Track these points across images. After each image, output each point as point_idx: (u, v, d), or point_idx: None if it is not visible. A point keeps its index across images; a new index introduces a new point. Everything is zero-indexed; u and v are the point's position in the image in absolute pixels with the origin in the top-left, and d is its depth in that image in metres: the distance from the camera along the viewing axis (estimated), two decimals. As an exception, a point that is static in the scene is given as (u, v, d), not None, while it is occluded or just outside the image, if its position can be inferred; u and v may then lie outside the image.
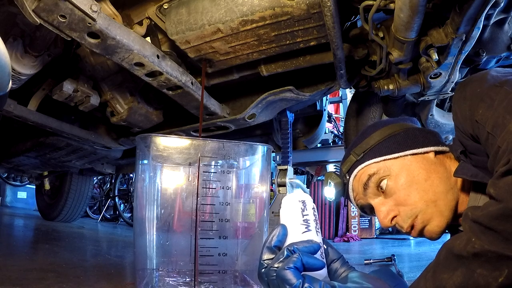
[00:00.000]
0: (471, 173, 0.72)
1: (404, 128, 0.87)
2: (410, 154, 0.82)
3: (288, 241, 0.62)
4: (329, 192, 0.91)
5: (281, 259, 0.57)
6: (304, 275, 0.55)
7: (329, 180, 0.91)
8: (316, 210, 0.66)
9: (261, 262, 0.60)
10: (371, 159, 0.84)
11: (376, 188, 0.82)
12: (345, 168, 0.89)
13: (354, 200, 0.89)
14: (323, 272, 0.61)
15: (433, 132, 0.90)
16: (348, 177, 0.88)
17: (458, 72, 1.23)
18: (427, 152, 0.83)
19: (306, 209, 0.64)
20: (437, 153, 0.84)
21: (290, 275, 0.53)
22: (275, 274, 0.56)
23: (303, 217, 0.63)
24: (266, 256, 0.60)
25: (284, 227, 0.63)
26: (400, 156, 0.82)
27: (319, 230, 0.64)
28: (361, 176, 0.84)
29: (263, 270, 0.59)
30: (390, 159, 0.82)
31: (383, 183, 0.81)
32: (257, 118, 1.65)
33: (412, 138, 0.85)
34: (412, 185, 0.79)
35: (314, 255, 0.59)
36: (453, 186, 0.80)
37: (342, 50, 1.18)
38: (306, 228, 0.62)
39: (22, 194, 5.97)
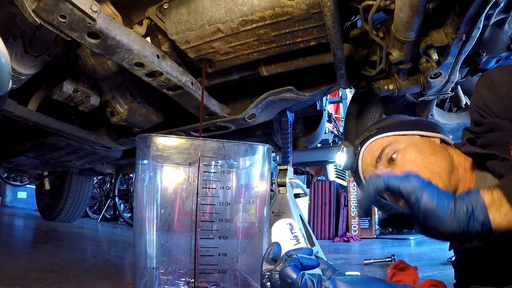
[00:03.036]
0: (479, 148, 0.78)
1: (414, 118, 0.97)
2: (418, 135, 0.90)
3: (283, 254, 0.68)
4: (340, 158, 0.99)
5: (281, 263, 0.62)
6: (303, 273, 0.59)
7: (342, 146, 0.99)
8: (303, 230, 0.75)
9: (262, 274, 0.66)
10: (383, 133, 0.92)
11: (387, 161, 0.88)
12: (358, 141, 0.97)
13: (362, 172, 0.94)
14: (318, 272, 0.65)
15: (440, 126, 0.96)
16: (359, 148, 0.95)
17: (458, 72, 1.23)
18: (433, 137, 0.90)
19: (294, 229, 0.72)
20: (442, 141, 0.91)
21: (290, 271, 0.58)
22: (278, 276, 0.60)
23: (292, 234, 0.70)
24: (266, 267, 0.66)
25: (277, 243, 0.69)
26: (409, 134, 0.90)
27: (309, 244, 0.71)
28: (373, 148, 0.91)
29: (266, 277, 0.64)
30: (400, 135, 0.90)
31: (395, 156, 0.87)
32: (257, 118, 1.65)
33: (420, 125, 0.93)
34: (419, 157, 0.84)
35: None
36: (455, 169, 0.84)
37: (342, 50, 1.18)
38: (296, 241, 0.69)
39: (22, 194, 5.96)
